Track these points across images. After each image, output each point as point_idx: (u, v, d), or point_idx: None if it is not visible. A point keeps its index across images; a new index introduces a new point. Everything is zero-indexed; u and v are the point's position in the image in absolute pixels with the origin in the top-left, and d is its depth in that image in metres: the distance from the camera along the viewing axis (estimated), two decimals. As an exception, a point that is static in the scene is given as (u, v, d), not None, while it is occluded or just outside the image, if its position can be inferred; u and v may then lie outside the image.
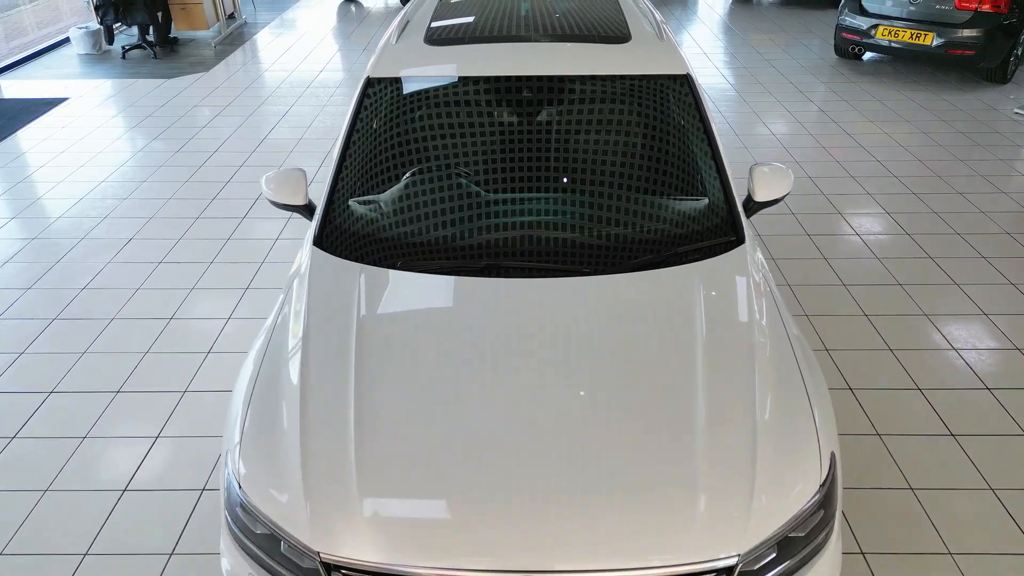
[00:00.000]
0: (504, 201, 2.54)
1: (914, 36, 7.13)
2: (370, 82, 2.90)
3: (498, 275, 2.30)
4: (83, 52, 8.76)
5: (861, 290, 4.22)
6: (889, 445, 3.10)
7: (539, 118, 2.75)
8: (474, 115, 2.74)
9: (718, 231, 2.50)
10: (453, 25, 3.20)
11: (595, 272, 2.30)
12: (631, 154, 2.68)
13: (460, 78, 2.81)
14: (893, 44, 7.31)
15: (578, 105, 2.74)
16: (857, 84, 7.54)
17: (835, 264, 4.47)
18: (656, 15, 3.50)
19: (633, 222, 2.49)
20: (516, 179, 2.61)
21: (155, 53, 8.59)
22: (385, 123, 2.79)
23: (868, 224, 4.98)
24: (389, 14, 10.97)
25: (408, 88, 2.84)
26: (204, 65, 8.39)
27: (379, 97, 2.86)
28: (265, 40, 9.58)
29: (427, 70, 2.86)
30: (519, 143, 2.68)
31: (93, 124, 6.64)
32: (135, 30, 8.73)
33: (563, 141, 2.68)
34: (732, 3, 11.54)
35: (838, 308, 4.06)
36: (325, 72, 8.11)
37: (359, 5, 11.69)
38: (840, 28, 7.73)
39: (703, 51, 8.91)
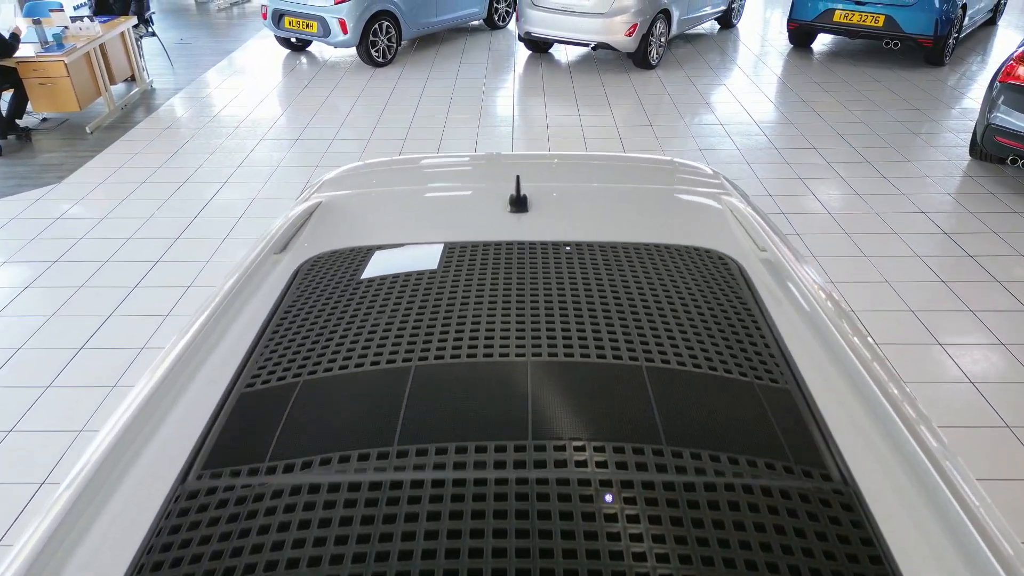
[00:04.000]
0: None
1: None
2: None
3: None
4: (-99, 144, 6.23)
5: None
6: None
7: None
8: None
9: None
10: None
11: None
12: None
13: None
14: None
15: None
16: (1017, 211, 5.03)
17: None
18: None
19: None
20: None
21: (-2, 148, 6.07)
22: None
23: None
24: (350, 69, 8.45)
25: None
26: (59, 169, 5.85)
27: None
28: (173, 114, 7.05)
29: None
30: None
31: None
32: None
33: None
34: (788, 52, 9.03)
35: None
36: (245, 178, 5.57)
37: (311, 56, 9.17)
38: (992, 129, 5.21)
39: (764, 135, 6.39)
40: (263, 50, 9.47)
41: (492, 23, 10.20)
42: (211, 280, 4.35)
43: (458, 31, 10.30)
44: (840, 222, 4.94)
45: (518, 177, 1.65)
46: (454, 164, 2.04)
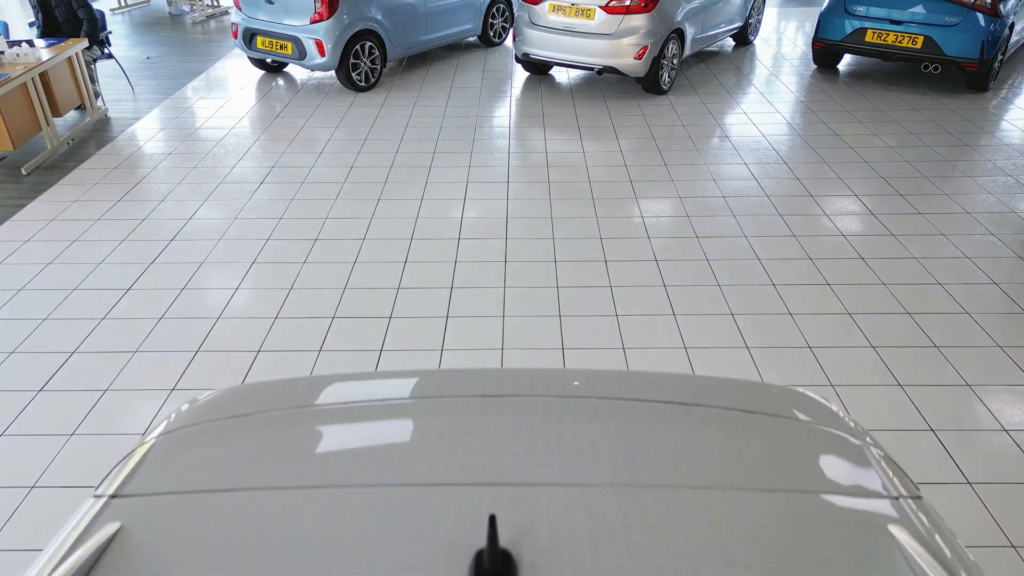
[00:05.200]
0: None
1: None
2: None
3: None
4: None
5: None
6: None
7: None
8: None
9: None
10: None
11: None
12: None
13: None
14: None
15: None
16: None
17: None
18: None
19: None
20: None
21: (-86, 195, 5.26)
22: None
23: None
24: (330, 92, 7.64)
25: None
26: (-19, 224, 5.05)
27: None
28: (125, 149, 6.24)
29: None
30: None
31: None
32: None
33: None
34: (812, 73, 8.22)
35: None
36: (196, 234, 4.77)
37: (288, 77, 8.35)
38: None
39: (796, 177, 5.57)
40: (237, 70, 8.66)
41: (487, 40, 9.39)
42: (134, 381, 3.54)
43: (450, 48, 9.50)
44: (898, 296, 4.13)
45: (492, 519, 0.85)
46: (386, 426, 1.22)
